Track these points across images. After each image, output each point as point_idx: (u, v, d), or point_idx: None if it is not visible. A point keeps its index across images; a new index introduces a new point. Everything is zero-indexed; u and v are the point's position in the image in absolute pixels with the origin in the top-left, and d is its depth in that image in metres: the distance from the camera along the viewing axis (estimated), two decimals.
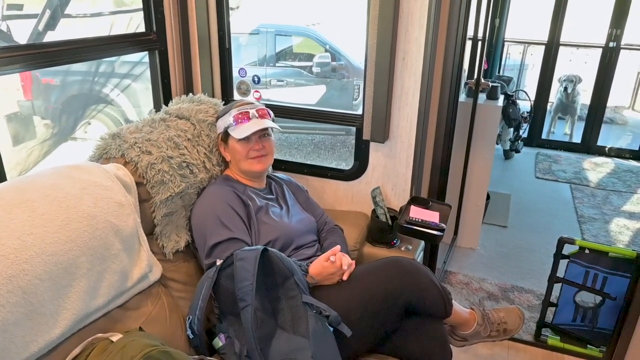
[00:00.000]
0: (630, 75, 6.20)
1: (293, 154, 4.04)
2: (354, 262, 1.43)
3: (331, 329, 1.26)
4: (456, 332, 1.62)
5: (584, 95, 5.15)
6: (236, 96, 2.10)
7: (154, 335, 1.17)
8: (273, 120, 1.62)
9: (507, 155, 4.66)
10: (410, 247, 1.84)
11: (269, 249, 1.29)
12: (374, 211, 1.83)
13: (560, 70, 5.04)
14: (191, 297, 1.39)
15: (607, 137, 5.26)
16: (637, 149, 4.88)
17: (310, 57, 4.15)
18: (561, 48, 4.96)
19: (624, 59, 4.81)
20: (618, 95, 5.61)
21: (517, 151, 4.47)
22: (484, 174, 2.85)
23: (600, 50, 4.79)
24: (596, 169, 4.54)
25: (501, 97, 2.97)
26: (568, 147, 5.06)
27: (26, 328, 0.98)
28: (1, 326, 0.92)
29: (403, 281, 1.36)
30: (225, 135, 1.58)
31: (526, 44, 5.82)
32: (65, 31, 2.69)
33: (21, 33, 2.71)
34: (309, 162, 2.30)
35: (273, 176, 1.75)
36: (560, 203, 3.77)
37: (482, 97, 2.84)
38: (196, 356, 1.23)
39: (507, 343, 2.18)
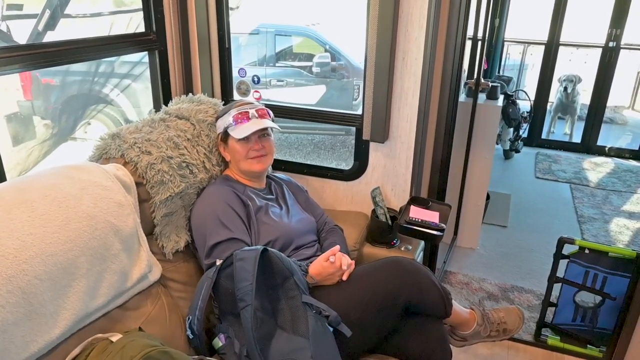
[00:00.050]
0: (630, 75, 6.19)
1: (293, 154, 4.03)
2: (353, 262, 1.43)
3: (331, 329, 1.26)
4: (456, 332, 1.62)
5: (584, 95, 5.15)
6: (236, 96, 2.10)
7: (153, 335, 1.17)
8: (273, 120, 1.62)
9: (507, 155, 4.66)
10: (410, 247, 1.84)
11: (269, 249, 1.29)
12: (373, 211, 1.83)
13: (560, 70, 5.04)
14: (191, 297, 1.39)
15: (607, 137, 5.26)
16: (637, 148, 4.88)
17: (310, 57, 4.14)
18: (561, 48, 4.96)
19: (624, 58, 4.81)
20: (618, 95, 5.61)
21: (517, 151, 4.47)
22: (484, 174, 2.85)
23: (600, 50, 4.79)
24: (596, 168, 4.54)
25: (501, 97, 2.97)
26: (568, 147, 5.06)
27: (26, 328, 0.97)
28: (1, 326, 0.92)
29: (403, 281, 1.36)
30: (225, 135, 1.58)
31: (526, 44, 5.82)
32: (65, 31, 2.69)
33: (21, 33, 2.71)
34: (308, 162, 2.30)
35: (273, 176, 1.75)
36: (560, 203, 3.77)
37: (482, 97, 2.84)
38: (196, 356, 1.23)
39: (507, 343, 2.18)
